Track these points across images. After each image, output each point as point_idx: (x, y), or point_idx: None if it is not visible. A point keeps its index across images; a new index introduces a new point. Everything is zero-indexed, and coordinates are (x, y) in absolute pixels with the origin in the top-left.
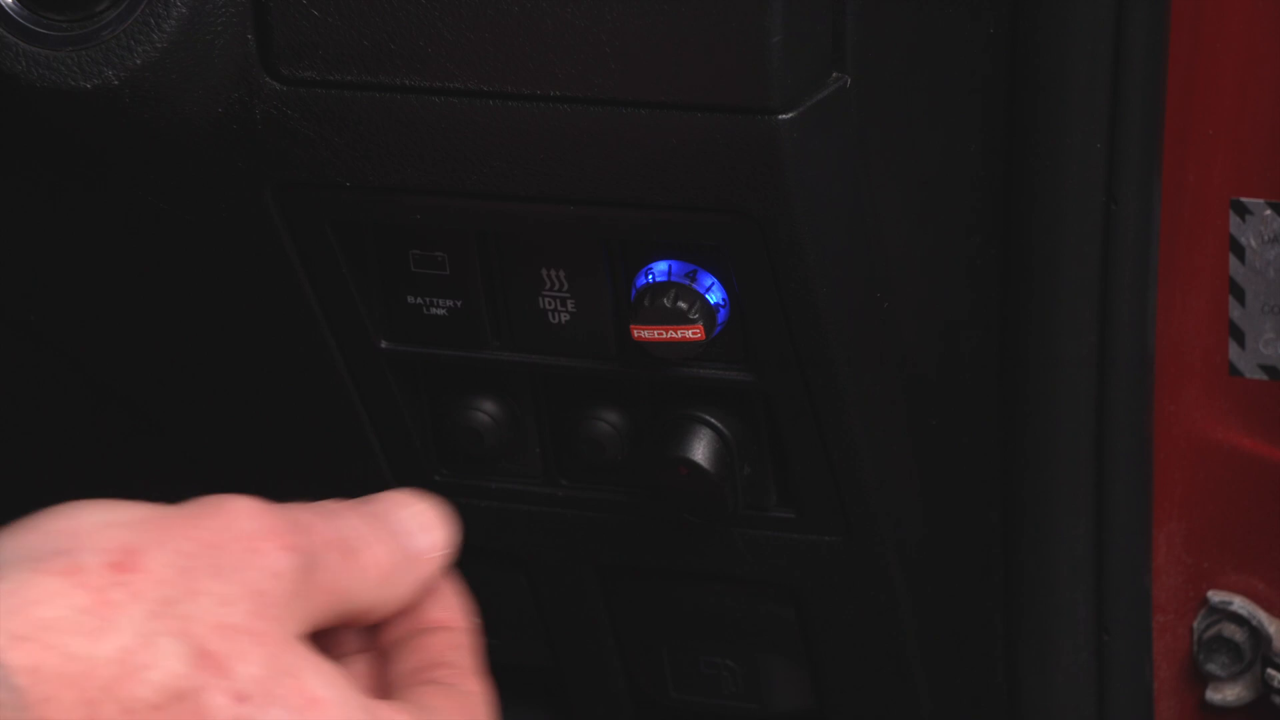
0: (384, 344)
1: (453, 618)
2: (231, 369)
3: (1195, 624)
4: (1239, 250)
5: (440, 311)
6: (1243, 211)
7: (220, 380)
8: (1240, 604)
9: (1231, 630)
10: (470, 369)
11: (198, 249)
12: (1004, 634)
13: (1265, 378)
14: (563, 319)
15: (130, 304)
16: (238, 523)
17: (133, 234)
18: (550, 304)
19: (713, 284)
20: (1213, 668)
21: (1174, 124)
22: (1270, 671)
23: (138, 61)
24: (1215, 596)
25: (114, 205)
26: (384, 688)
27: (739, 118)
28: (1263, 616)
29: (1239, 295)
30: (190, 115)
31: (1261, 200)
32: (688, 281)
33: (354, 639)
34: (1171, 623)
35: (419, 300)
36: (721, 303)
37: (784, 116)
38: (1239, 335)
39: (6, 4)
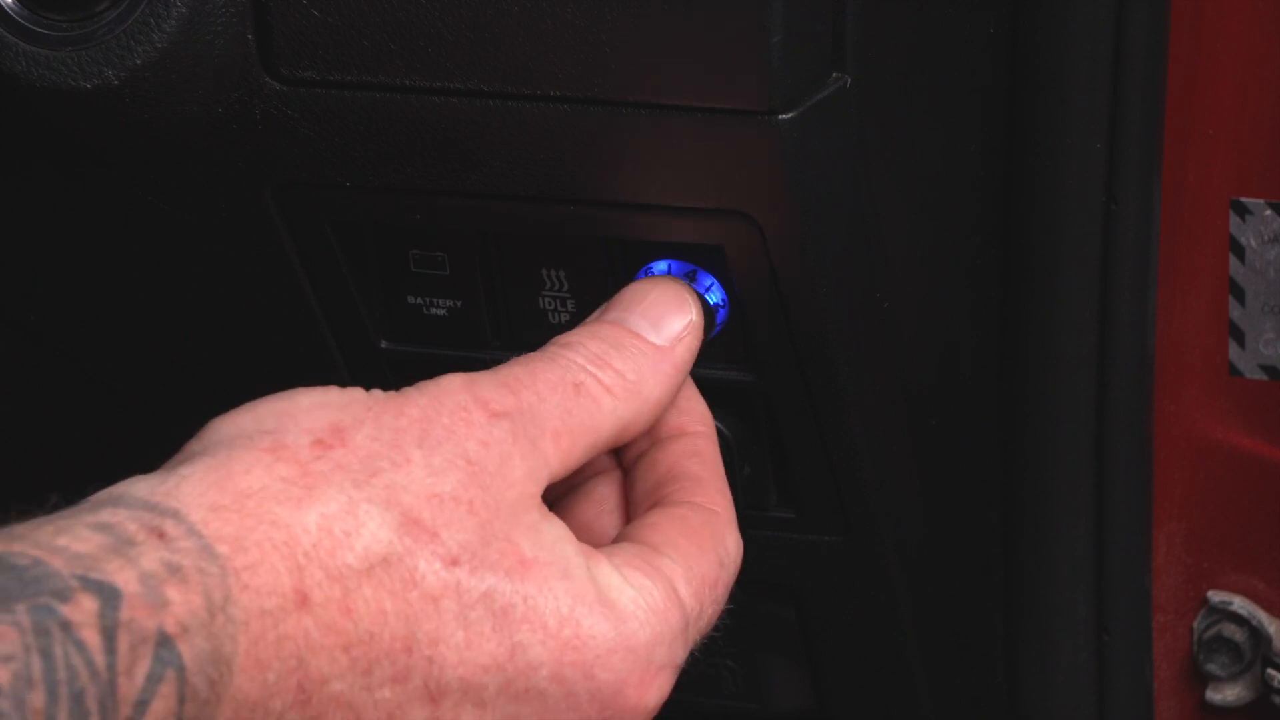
0: (384, 344)
1: (688, 421)
2: (231, 369)
3: (1195, 624)
4: (1239, 250)
5: (440, 311)
6: (1243, 211)
7: (220, 380)
8: (1240, 604)
9: (1231, 630)
10: (470, 369)
11: (198, 249)
12: (1004, 634)
13: (1265, 378)
14: (563, 319)
15: (130, 304)
16: (446, 397)
17: (133, 234)
18: (550, 304)
19: (713, 284)
20: (1213, 668)
21: (1174, 124)
22: (1270, 671)
23: (138, 61)
24: (1215, 596)
25: (114, 205)
26: (628, 509)
27: (739, 118)
28: (1263, 616)
29: (1239, 295)
30: (190, 115)
31: (1261, 200)
32: (687, 281)
33: (606, 457)
34: (1171, 623)
35: (419, 300)
36: (721, 303)
37: (784, 117)
38: (1239, 335)
39: (6, 4)
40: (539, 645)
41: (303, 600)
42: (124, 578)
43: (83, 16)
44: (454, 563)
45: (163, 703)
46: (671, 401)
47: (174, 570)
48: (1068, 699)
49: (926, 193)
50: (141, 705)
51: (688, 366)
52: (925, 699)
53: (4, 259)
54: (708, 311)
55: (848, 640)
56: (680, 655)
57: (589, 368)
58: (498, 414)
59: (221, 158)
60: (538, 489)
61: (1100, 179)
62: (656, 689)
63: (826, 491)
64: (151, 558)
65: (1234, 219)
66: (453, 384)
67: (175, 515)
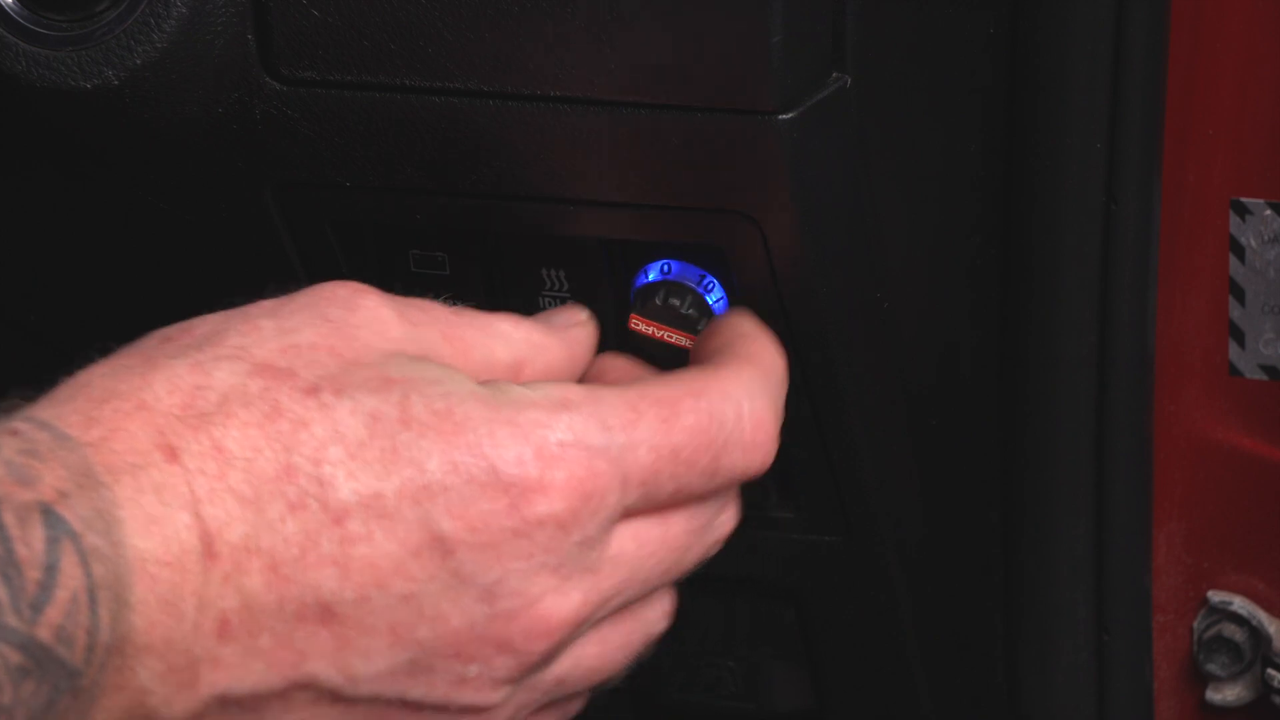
0: None
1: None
2: None
3: (1195, 624)
4: (1239, 250)
5: None
6: (1243, 211)
7: None
8: (1240, 604)
9: (1231, 630)
10: None
11: (198, 249)
12: (1004, 634)
13: (1265, 378)
14: None
15: (130, 304)
16: (315, 289)
17: (133, 234)
18: (550, 304)
19: (713, 284)
20: (1213, 668)
21: (1174, 124)
22: (1270, 671)
23: (138, 61)
24: (1215, 596)
25: (114, 205)
26: None
27: (739, 118)
28: (1263, 616)
29: (1239, 295)
30: (190, 115)
31: (1261, 200)
32: (688, 281)
33: None
34: (1171, 623)
35: None
36: (721, 302)
37: (784, 116)
38: (1239, 335)
39: (6, 4)
40: (420, 438)
41: (171, 454)
42: None
43: (83, 16)
44: (313, 391)
45: (70, 563)
46: (582, 361)
47: (31, 454)
48: (1068, 699)
49: (926, 193)
50: (51, 569)
51: (579, 348)
52: (925, 699)
53: (4, 259)
54: (707, 311)
55: (848, 640)
56: (602, 465)
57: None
58: (364, 290)
59: (221, 158)
60: (424, 353)
61: (1100, 179)
62: (559, 487)
63: (826, 491)
64: (9, 449)
65: (1234, 219)
66: (341, 283)
67: (27, 418)
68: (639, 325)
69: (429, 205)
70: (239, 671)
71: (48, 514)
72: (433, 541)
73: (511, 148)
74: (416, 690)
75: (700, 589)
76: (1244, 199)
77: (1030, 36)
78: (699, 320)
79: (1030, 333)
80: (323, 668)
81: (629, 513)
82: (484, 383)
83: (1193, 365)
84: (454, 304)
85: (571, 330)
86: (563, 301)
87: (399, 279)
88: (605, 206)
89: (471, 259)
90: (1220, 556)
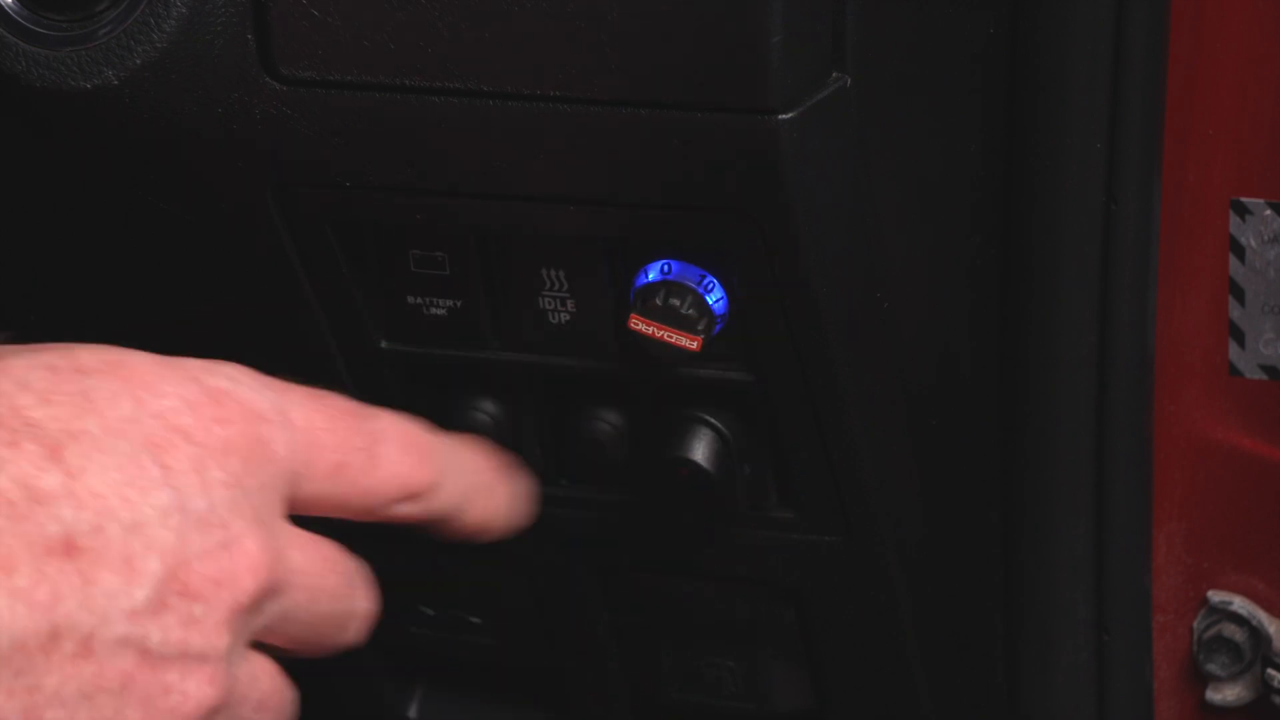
0: (384, 344)
1: None
2: None
3: (1195, 624)
4: (1239, 250)
5: (440, 311)
6: (1243, 211)
7: None
8: (1240, 604)
9: (1231, 630)
10: (470, 369)
11: (198, 249)
12: (1004, 634)
13: (1265, 378)
14: (563, 319)
15: (130, 304)
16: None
17: (133, 234)
18: (550, 304)
19: (713, 284)
20: (1213, 668)
21: (1174, 124)
22: (1270, 671)
23: (138, 61)
24: (1215, 596)
25: (114, 205)
26: None
27: (739, 117)
28: (1263, 616)
29: (1239, 295)
30: (190, 115)
31: (1261, 200)
32: (688, 281)
33: None
34: (1171, 623)
35: (419, 300)
36: (721, 302)
37: (784, 116)
38: (1239, 335)
39: (6, 4)
40: (105, 382)
41: None
42: None
43: (83, 16)
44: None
45: None
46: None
47: None
48: (1068, 699)
49: (926, 193)
50: None
51: None
52: (925, 699)
53: (4, 259)
54: (707, 311)
55: (848, 640)
56: (268, 412)
57: None
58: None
59: (221, 158)
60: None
61: (1100, 179)
62: (235, 421)
63: (826, 491)
64: None
65: (1234, 219)
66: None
67: None
68: (639, 325)
69: (429, 205)
70: (4, 615)
71: None
72: (146, 468)
73: (511, 147)
74: (155, 633)
75: (700, 589)
76: (1244, 199)
77: (1030, 36)
78: (699, 320)
79: (1030, 333)
80: (75, 608)
81: (297, 484)
82: None
83: (1193, 365)
84: None
85: None
86: (563, 302)
87: (399, 279)
88: (605, 206)
89: (471, 259)
90: (1220, 556)
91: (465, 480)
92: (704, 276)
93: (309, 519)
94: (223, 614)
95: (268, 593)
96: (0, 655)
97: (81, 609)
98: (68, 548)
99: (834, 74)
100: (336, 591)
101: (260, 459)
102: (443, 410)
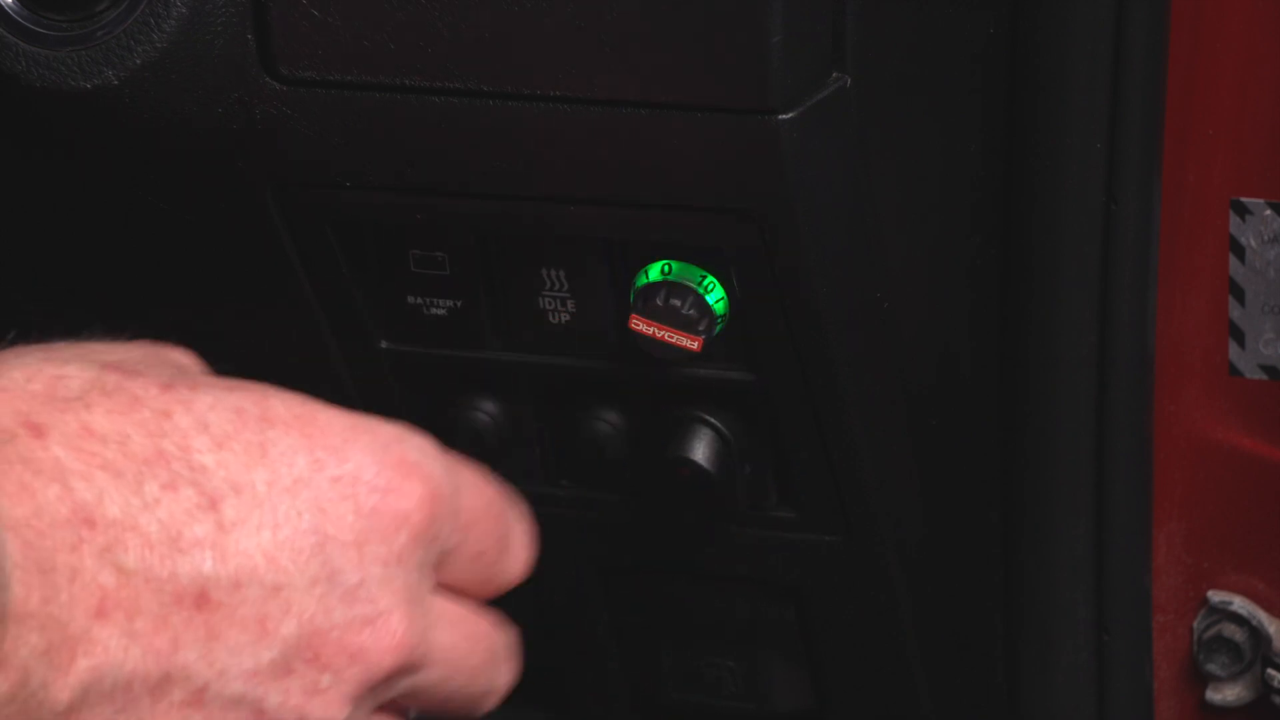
0: (384, 344)
1: None
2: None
3: (1195, 624)
4: (1239, 250)
5: (440, 311)
6: (1243, 211)
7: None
8: (1240, 604)
9: (1231, 630)
10: (470, 369)
11: (198, 249)
12: (1004, 634)
13: (1265, 378)
14: (563, 319)
15: (130, 303)
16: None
17: (133, 234)
18: (550, 304)
19: (713, 284)
20: (1213, 668)
21: (1174, 124)
22: (1270, 671)
23: (138, 61)
24: (1215, 596)
25: (114, 205)
26: None
27: (739, 118)
28: (1263, 616)
29: (1239, 295)
30: (190, 115)
31: (1261, 200)
32: (688, 281)
33: None
34: (1171, 623)
35: (419, 300)
36: (721, 302)
37: (784, 116)
38: (1239, 335)
39: (6, 4)
40: (286, 436)
41: (38, 430)
42: None
43: (83, 16)
44: (169, 387)
45: None
46: None
47: None
48: (1068, 699)
49: (926, 193)
50: None
51: None
52: (925, 699)
53: (4, 259)
54: (707, 311)
55: (848, 640)
56: (445, 490)
57: None
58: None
59: (221, 158)
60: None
61: (1100, 179)
62: (416, 495)
63: (826, 491)
64: None
65: (1234, 219)
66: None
67: None
68: (639, 325)
69: (429, 205)
70: (116, 655)
71: None
72: (304, 534)
73: (511, 147)
74: (275, 696)
75: (700, 588)
76: (1244, 199)
77: (1030, 36)
78: (699, 320)
79: (1030, 333)
80: (194, 659)
81: (442, 565)
82: None
83: (1193, 365)
84: None
85: None
86: (563, 302)
87: (399, 279)
88: (605, 206)
89: (471, 259)
90: (1220, 556)
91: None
92: (704, 276)
93: None
94: (350, 687)
95: (403, 670)
96: (104, 691)
97: (200, 660)
98: (200, 600)
99: (834, 74)
100: (477, 669)
101: (427, 538)
102: (443, 410)
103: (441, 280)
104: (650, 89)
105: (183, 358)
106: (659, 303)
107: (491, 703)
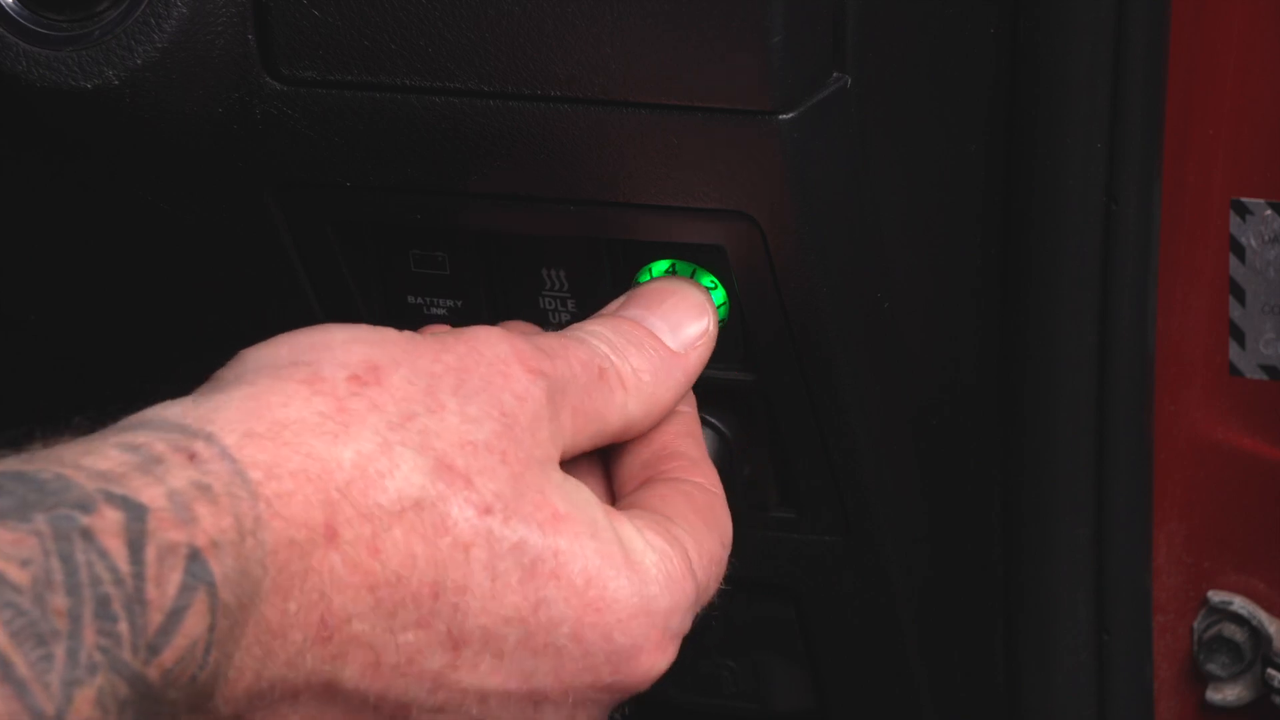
0: None
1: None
2: None
3: (1195, 624)
4: (1239, 250)
5: (440, 311)
6: (1243, 211)
7: None
8: (1240, 604)
9: (1232, 630)
10: None
11: (198, 249)
12: (1004, 634)
13: (1265, 378)
14: (563, 319)
15: (130, 304)
16: (484, 348)
17: (133, 234)
18: (550, 304)
19: (713, 284)
20: (1213, 668)
21: (1174, 124)
22: (1270, 671)
23: (138, 61)
24: (1215, 596)
25: (114, 205)
26: (613, 482)
27: (739, 118)
28: (1263, 616)
29: (1239, 295)
30: (190, 115)
31: (1261, 200)
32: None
33: None
34: (1171, 623)
35: (419, 300)
36: (721, 303)
37: (784, 117)
38: (1239, 335)
39: (6, 4)
40: (563, 602)
41: (332, 535)
42: (150, 494)
43: (83, 16)
44: (487, 511)
45: (197, 613)
46: (685, 389)
47: (203, 490)
48: (1068, 699)
49: (927, 193)
50: (176, 614)
51: (698, 373)
52: (925, 699)
53: (4, 259)
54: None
55: (848, 640)
56: (688, 625)
57: (612, 356)
58: (534, 371)
59: (221, 158)
60: (558, 454)
61: (1100, 179)
62: (666, 657)
63: (826, 491)
64: (180, 477)
65: (1234, 219)
66: (491, 335)
67: (208, 438)
68: None
69: (429, 205)
70: None
71: (193, 560)
72: (529, 692)
73: (512, 147)
74: None
75: None
76: (1244, 199)
77: (1030, 36)
78: None
79: (1030, 332)
80: None
81: None
82: (610, 516)
83: (1193, 365)
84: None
85: (692, 357)
86: (563, 302)
87: (399, 279)
88: (605, 206)
89: (471, 259)
90: (1220, 556)
91: None
92: (704, 276)
93: None
94: None
95: None
96: None
97: None
98: (399, 710)
99: (834, 74)
100: None
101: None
102: None
103: (441, 280)
104: (651, 89)
105: (513, 382)
106: None
107: None
